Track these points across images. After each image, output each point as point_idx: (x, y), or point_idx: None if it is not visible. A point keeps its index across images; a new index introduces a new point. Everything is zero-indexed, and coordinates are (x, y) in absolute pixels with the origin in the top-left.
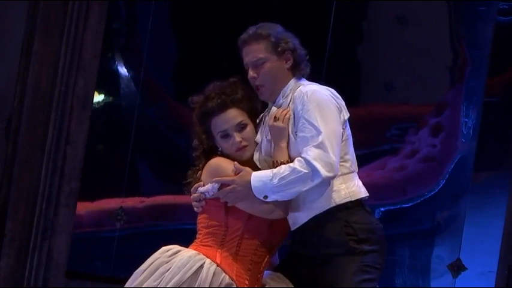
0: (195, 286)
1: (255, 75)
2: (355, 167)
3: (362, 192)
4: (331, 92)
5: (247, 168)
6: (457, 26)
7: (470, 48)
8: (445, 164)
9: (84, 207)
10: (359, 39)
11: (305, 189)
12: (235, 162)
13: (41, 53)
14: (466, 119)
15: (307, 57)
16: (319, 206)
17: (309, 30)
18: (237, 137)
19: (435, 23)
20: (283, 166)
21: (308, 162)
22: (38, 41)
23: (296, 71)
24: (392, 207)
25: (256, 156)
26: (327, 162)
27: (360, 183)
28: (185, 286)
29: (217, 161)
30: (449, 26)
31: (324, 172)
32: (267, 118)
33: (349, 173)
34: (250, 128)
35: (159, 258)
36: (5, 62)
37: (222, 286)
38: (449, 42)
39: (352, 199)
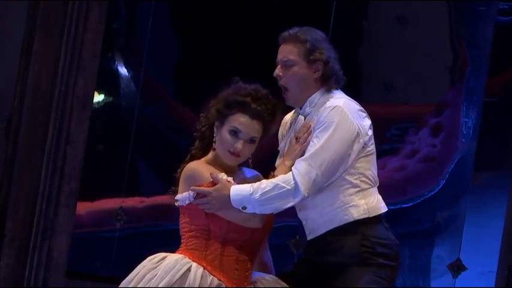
0: None
1: (280, 74)
2: (375, 181)
3: (381, 207)
4: (356, 110)
5: (225, 182)
6: (457, 26)
7: (470, 48)
8: (445, 164)
9: (84, 207)
10: (359, 39)
11: (286, 206)
12: (212, 173)
13: (41, 53)
14: (466, 119)
15: (341, 71)
16: (336, 220)
17: None
18: (240, 145)
19: (435, 23)
20: (264, 181)
21: (293, 177)
22: (38, 41)
23: (325, 83)
24: (392, 207)
25: (278, 163)
26: (310, 179)
27: (380, 198)
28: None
29: (194, 167)
30: (449, 26)
31: (304, 190)
32: (293, 126)
33: (369, 188)
34: (254, 146)
35: (145, 266)
36: (5, 62)
37: (213, 287)
38: (449, 42)
39: (371, 215)
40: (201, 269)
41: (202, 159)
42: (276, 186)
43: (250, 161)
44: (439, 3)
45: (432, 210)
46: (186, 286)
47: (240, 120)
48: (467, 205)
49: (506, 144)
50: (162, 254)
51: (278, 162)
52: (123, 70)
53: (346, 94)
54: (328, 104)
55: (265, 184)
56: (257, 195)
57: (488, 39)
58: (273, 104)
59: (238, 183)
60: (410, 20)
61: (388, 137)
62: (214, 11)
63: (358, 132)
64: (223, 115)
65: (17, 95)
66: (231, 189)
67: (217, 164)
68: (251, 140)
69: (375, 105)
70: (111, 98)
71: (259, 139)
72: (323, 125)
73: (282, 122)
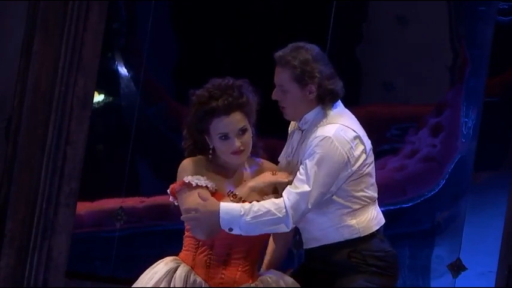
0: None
1: (276, 98)
2: (370, 199)
3: (374, 225)
4: (348, 140)
5: (213, 199)
6: (457, 26)
7: (470, 48)
8: (445, 164)
9: (84, 207)
10: (359, 39)
11: (273, 232)
12: (200, 191)
13: (41, 53)
14: (466, 119)
15: (340, 85)
16: (329, 238)
17: (309, 30)
18: (237, 142)
19: (435, 23)
20: (255, 204)
21: (285, 207)
22: (38, 41)
23: (321, 102)
24: (392, 207)
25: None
26: (299, 211)
27: (374, 214)
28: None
29: (184, 162)
30: (449, 26)
31: (293, 220)
32: (290, 140)
33: (361, 207)
34: (249, 132)
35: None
36: (5, 62)
37: (196, 286)
38: (449, 42)
39: (362, 235)
40: (188, 268)
41: (202, 157)
42: (269, 212)
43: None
44: (439, 3)
45: (432, 210)
46: (172, 283)
47: (220, 125)
48: (467, 205)
49: (506, 144)
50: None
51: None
52: (123, 70)
53: (346, 95)
54: (319, 131)
55: (257, 207)
56: (248, 218)
57: (488, 39)
58: (236, 87)
59: (237, 185)
60: (411, 20)
61: (388, 137)
62: (214, 11)
63: (346, 163)
64: (204, 129)
65: (17, 95)
66: (221, 206)
67: (219, 163)
68: (242, 131)
69: (375, 105)
70: (111, 98)
71: (250, 121)
72: (312, 155)
73: (290, 125)
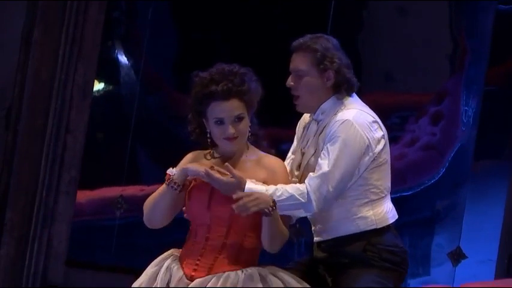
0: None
1: (291, 83)
2: (387, 191)
3: (389, 218)
4: (367, 123)
5: (241, 178)
6: (457, 15)
7: (471, 37)
8: (445, 153)
9: (84, 196)
10: (359, 29)
11: (296, 215)
12: (226, 166)
13: (41, 42)
14: (466, 108)
15: (355, 77)
16: (344, 230)
17: (309, 21)
18: (231, 129)
19: (435, 13)
20: (279, 188)
21: (307, 193)
22: (38, 30)
23: (337, 91)
24: (392, 196)
25: (288, 161)
26: (321, 196)
27: (390, 207)
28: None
29: (186, 156)
30: (450, 16)
31: (316, 206)
32: (305, 131)
33: (379, 199)
34: (245, 121)
35: None
36: (5, 52)
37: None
38: (450, 31)
39: (378, 227)
40: (174, 258)
41: (207, 152)
42: (291, 196)
43: (264, 143)
44: None
45: (432, 199)
46: (160, 274)
47: (217, 109)
48: (467, 193)
49: (506, 133)
50: None
51: (288, 160)
52: (123, 59)
53: None
54: (338, 116)
55: (281, 192)
56: None
57: (489, 28)
58: (239, 74)
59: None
60: (411, 10)
61: (388, 126)
62: (214, 1)
63: (368, 146)
64: (202, 112)
65: (17, 84)
66: (246, 185)
67: (218, 150)
68: (238, 119)
69: (375, 93)
70: (111, 87)
71: (249, 111)
72: (333, 139)
73: (300, 120)
